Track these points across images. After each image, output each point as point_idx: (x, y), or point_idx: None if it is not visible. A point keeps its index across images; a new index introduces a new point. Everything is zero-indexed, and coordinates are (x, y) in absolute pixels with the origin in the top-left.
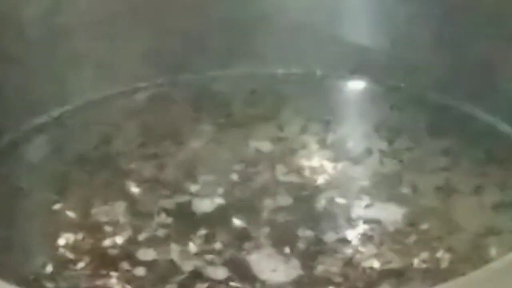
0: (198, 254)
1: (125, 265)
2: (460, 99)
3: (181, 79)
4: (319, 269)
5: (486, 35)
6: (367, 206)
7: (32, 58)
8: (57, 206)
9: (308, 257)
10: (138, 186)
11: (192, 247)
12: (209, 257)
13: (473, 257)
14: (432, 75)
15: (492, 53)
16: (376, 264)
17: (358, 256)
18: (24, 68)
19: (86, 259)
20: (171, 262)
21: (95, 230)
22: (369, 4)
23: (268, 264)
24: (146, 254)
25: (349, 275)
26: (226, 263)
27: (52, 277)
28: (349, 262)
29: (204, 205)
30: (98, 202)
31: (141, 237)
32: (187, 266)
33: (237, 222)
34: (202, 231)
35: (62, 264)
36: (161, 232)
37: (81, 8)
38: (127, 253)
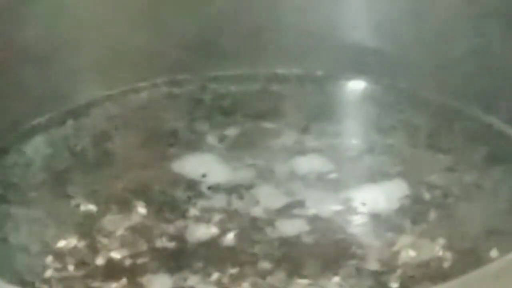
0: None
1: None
2: (460, 99)
3: (181, 79)
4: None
5: (487, 35)
6: (368, 206)
7: (32, 58)
8: (56, 207)
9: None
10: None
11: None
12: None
13: (474, 257)
14: (432, 75)
15: (492, 53)
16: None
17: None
18: (24, 68)
19: (80, 266)
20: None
21: (92, 237)
22: (369, 4)
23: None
24: (144, 271)
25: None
26: None
27: (48, 280)
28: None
29: (200, 230)
30: (97, 205)
31: (139, 253)
32: None
33: (231, 240)
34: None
35: (58, 267)
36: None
37: (81, 8)
38: (123, 269)
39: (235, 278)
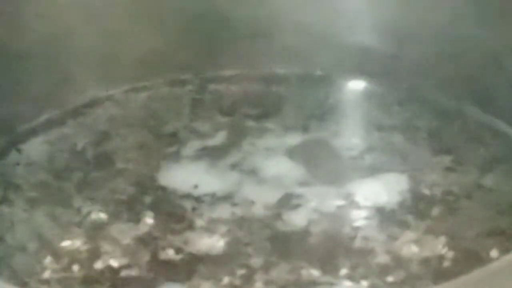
0: None
1: None
2: (460, 99)
3: (181, 79)
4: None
5: (487, 36)
6: (368, 204)
7: (32, 58)
8: (56, 208)
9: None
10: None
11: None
12: None
13: (474, 257)
14: (432, 75)
15: (492, 53)
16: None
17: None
18: (24, 68)
19: (79, 269)
20: None
21: (90, 238)
22: (369, 4)
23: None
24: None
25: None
26: None
27: (47, 281)
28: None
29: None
30: (97, 205)
31: (147, 262)
32: None
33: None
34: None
35: (58, 269)
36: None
37: (82, 7)
38: (136, 278)
39: (247, 279)
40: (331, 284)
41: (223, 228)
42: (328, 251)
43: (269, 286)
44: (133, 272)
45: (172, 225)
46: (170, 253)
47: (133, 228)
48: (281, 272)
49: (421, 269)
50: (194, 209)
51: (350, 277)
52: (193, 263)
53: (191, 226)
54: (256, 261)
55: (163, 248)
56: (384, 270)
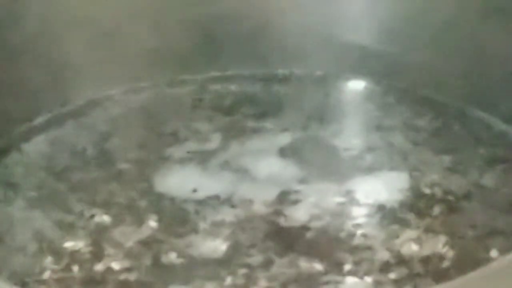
0: None
1: None
2: (460, 99)
3: (181, 79)
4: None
5: (486, 35)
6: (369, 204)
7: (32, 58)
8: (56, 208)
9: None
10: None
11: None
12: None
13: (474, 257)
14: (432, 75)
15: (491, 52)
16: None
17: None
18: (24, 68)
19: (79, 270)
20: None
21: (92, 244)
22: (369, 4)
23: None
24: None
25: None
26: None
27: (47, 282)
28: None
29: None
30: (96, 206)
31: (150, 264)
32: None
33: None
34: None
35: (58, 270)
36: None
37: (81, 8)
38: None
39: (250, 277)
40: (335, 280)
41: (226, 230)
42: (329, 247)
43: (272, 283)
44: (135, 275)
45: (175, 228)
46: (172, 256)
47: (136, 231)
48: (284, 268)
49: (421, 267)
50: (196, 211)
51: (353, 273)
52: (196, 266)
53: (194, 229)
54: (258, 259)
55: (166, 252)
56: (385, 267)
